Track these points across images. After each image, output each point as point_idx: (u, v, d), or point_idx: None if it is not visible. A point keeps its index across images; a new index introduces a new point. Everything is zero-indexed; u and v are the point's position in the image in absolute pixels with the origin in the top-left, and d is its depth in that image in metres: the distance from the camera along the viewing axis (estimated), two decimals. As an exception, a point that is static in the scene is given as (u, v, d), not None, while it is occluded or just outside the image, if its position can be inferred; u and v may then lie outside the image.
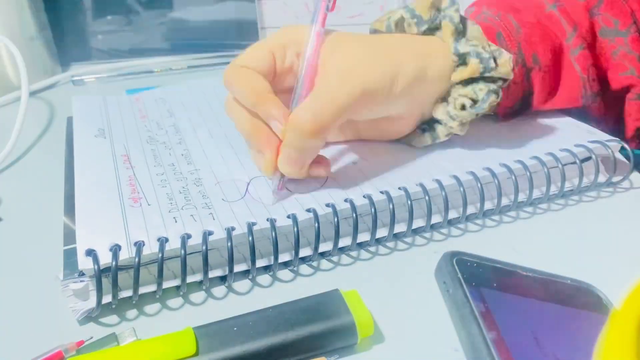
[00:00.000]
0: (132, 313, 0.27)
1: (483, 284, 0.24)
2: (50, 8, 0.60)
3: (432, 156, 0.36)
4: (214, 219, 0.29)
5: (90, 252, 0.27)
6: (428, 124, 0.37)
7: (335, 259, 0.31)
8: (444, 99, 0.36)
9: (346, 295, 0.25)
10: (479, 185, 0.32)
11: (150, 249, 0.27)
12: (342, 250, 0.31)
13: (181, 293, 0.28)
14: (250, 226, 0.28)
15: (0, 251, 0.32)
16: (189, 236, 0.28)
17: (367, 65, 0.33)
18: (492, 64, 0.34)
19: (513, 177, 0.33)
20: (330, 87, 0.32)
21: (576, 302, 0.26)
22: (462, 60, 0.34)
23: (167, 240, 0.28)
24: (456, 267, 0.24)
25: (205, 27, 0.66)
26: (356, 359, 0.25)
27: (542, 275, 0.26)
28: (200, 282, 0.28)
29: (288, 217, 0.30)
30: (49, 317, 0.27)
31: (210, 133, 0.40)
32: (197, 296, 0.28)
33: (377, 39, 0.36)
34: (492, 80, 0.34)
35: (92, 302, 0.26)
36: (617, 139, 0.36)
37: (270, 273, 0.30)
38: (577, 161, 0.34)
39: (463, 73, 0.34)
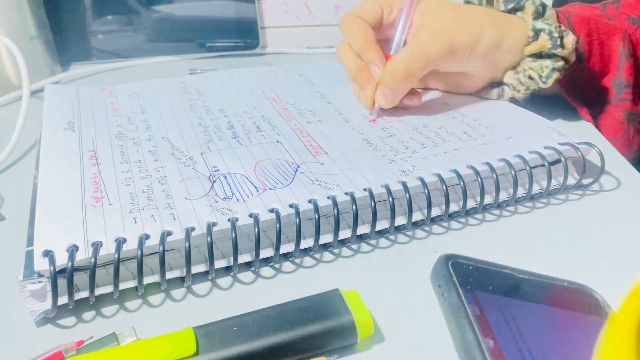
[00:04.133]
0: (132, 312, 0.27)
1: (478, 288, 0.24)
2: (50, 8, 0.60)
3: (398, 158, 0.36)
4: (174, 219, 0.29)
5: (47, 253, 0.26)
6: (499, 84, 0.44)
7: (335, 257, 0.31)
8: (515, 67, 0.43)
9: (346, 295, 0.25)
10: (443, 187, 0.32)
11: (107, 250, 0.27)
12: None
13: (139, 293, 0.28)
14: (209, 227, 0.28)
15: (2, 250, 0.32)
16: (147, 237, 0.28)
17: (456, 28, 0.40)
18: (559, 42, 0.41)
19: (479, 179, 0.33)
20: (423, 42, 0.40)
21: (573, 305, 0.26)
22: (536, 37, 0.41)
23: (125, 240, 0.28)
24: (451, 270, 0.24)
25: (206, 27, 0.67)
26: (356, 359, 0.25)
27: (538, 277, 0.26)
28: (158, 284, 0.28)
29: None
30: (48, 316, 0.27)
31: (180, 129, 0.41)
32: (199, 297, 0.28)
33: (466, 8, 0.43)
34: (559, 58, 0.41)
35: (49, 303, 0.26)
36: (588, 141, 0.36)
37: (231, 274, 0.30)
38: (546, 164, 0.34)
39: (534, 47, 0.41)
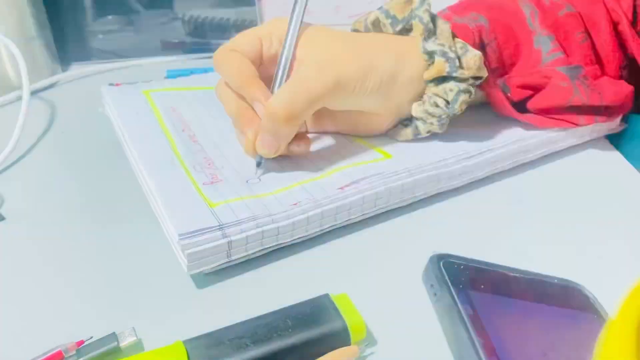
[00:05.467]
0: (132, 313, 0.28)
1: (471, 287, 0.24)
2: (50, 8, 0.60)
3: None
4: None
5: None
6: (410, 120, 0.38)
7: (324, 261, 0.31)
8: (421, 97, 0.37)
9: (336, 300, 0.25)
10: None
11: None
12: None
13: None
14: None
15: (3, 250, 0.33)
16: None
17: (343, 59, 0.34)
18: (457, 63, 0.35)
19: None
20: (306, 77, 0.34)
21: (564, 302, 0.26)
22: (432, 59, 0.35)
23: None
24: (443, 269, 0.24)
25: (206, 27, 0.67)
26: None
27: (530, 275, 0.27)
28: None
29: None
30: (49, 316, 0.28)
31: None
32: (196, 299, 0.29)
33: (353, 35, 0.38)
34: (464, 79, 0.36)
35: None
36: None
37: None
38: None
39: (431, 72, 0.35)
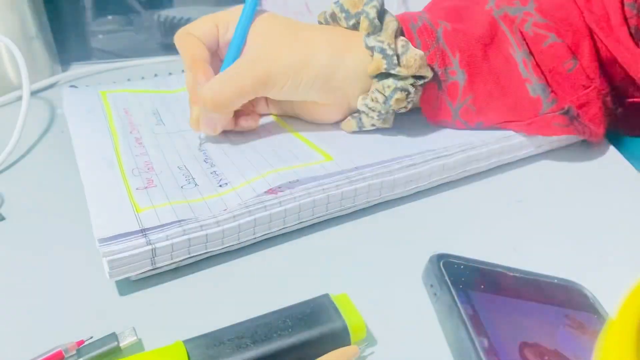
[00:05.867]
0: (132, 312, 0.28)
1: (471, 287, 0.24)
2: (50, 8, 0.60)
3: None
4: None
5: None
6: (358, 112, 0.39)
7: (322, 261, 0.31)
8: (368, 91, 0.38)
9: (336, 299, 0.26)
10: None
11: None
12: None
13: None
14: None
15: (3, 250, 0.33)
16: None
17: (277, 54, 0.36)
18: (395, 61, 0.35)
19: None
20: (238, 69, 0.36)
21: (563, 302, 0.26)
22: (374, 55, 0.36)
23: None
24: (443, 269, 0.24)
25: (205, 26, 0.67)
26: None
27: (530, 275, 0.27)
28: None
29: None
30: (49, 316, 0.28)
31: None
32: (195, 300, 0.29)
33: (301, 28, 0.38)
34: (404, 77, 0.36)
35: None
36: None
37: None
38: None
39: (371, 68, 0.36)
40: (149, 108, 0.44)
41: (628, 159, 0.40)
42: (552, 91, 0.38)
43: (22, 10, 0.55)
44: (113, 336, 0.25)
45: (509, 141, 0.38)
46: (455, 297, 0.23)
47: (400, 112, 0.38)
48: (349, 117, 0.39)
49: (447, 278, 0.24)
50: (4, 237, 0.34)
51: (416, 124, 0.40)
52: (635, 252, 0.31)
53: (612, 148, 0.42)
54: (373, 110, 0.37)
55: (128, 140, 0.38)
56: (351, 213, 0.35)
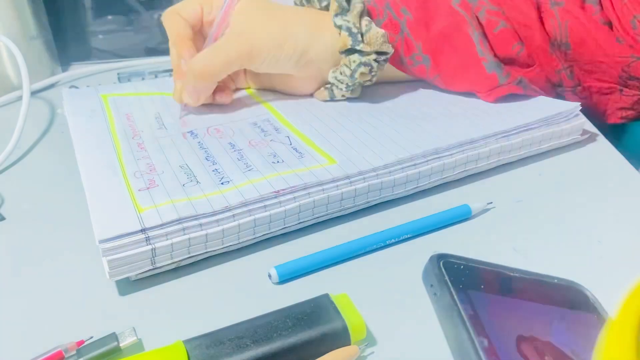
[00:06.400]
0: (132, 312, 0.28)
1: (471, 287, 0.24)
2: (50, 8, 0.60)
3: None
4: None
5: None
6: (330, 83, 0.44)
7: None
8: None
9: (336, 300, 0.25)
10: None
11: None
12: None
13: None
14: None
15: (3, 250, 0.33)
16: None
17: (260, 29, 0.41)
18: (359, 38, 0.41)
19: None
20: (224, 43, 0.41)
21: (564, 302, 0.26)
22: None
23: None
24: (443, 270, 0.24)
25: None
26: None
27: (530, 275, 0.27)
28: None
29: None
30: (49, 316, 0.28)
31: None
32: (195, 300, 0.29)
33: (281, 9, 0.43)
34: (368, 53, 0.41)
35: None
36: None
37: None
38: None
39: (338, 44, 0.41)
40: (150, 112, 0.44)
41: (628, 158, 0.40)
42: (506, 65, 0.43)
43: (22, 10, 0.56)
44: (113, 336, 0.25)
45: (509, 141, 0.38)
46: (455, 297, 0.23)
47: (366, 84, 0.44)
48: (322, 88, 0.45)
49: (447, 278, 0.24)
50: (4, 237, 0.34)
51: (416, 124, 0.40)
52: (635, 252, 0.31)
53: (611, 148, 0.42)
54: (341, 82, 0.43)
55: (131, 146, 0.38)
56: (351, 213, 0.35)
